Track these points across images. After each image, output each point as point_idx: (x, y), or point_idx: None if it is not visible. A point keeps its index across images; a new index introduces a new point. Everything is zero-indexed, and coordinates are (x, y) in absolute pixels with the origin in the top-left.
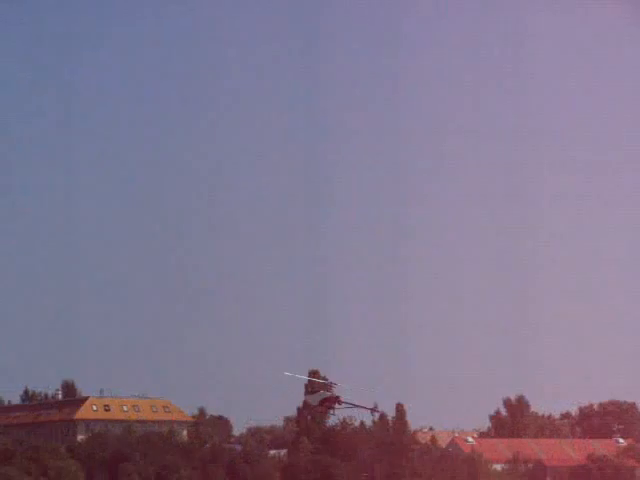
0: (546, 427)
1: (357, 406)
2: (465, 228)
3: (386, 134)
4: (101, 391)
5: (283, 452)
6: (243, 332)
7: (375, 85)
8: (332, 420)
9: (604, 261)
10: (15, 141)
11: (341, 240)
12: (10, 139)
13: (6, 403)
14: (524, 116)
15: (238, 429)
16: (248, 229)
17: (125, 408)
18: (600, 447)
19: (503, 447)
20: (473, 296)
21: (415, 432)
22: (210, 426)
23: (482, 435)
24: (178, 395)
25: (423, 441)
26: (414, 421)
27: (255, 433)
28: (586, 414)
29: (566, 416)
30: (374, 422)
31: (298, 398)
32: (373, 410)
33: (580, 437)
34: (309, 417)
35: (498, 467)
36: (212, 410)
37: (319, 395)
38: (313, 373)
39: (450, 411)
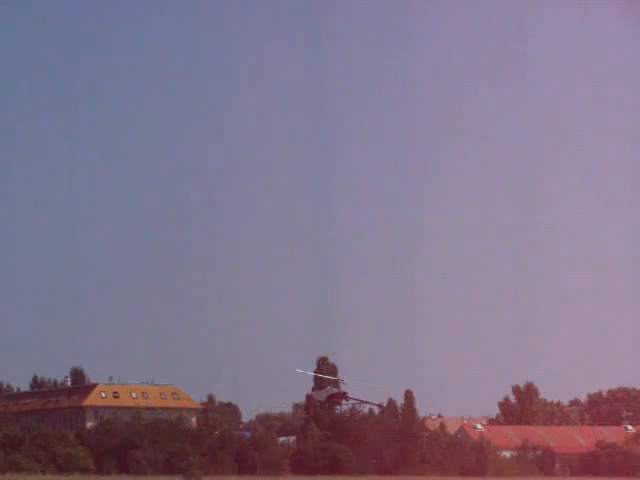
0: (555, 414)
1: (364, 402)
2: (473, 221)
3: (395, 134)
4: (110, 378)
5: (292, 439)
6: (252, 319)
7: (383, 85)
8: (341, 407)
9: (615, 248)
10: (16, 140)
11: (350, 231)
12: (12, 138)
13: (15, 390)
14: (528, 116)
15: (247, 416)
16: (255, 221)
17: (134, 395)
18: (609, 434)
19: (512, 434)
20: (482, 283)
21: (424, 419)
22: (219, 413)
23: (491, 422)
24: (187, 382)
25: (432, 428)
26: (423, 408)
27: (264, 420)
28: (595, 401)
29: (575, 403)
30: (383, 411)
31: (307, 385)
32: (380, 406)
33: (589, 424)
34: (318, 404)
35: (507, 454)
36: (221, 397)
37: (326, 391)
38: (322, 359)
39: (459, 398)
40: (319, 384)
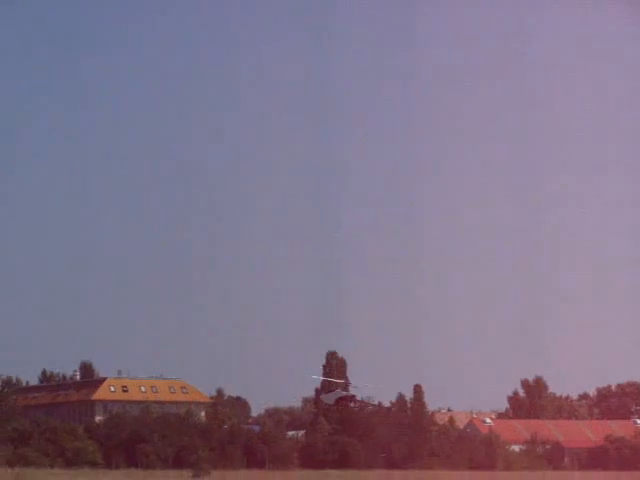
0: (564, 408)
1: (372, 405)
2: (476, 220)
3: (397, 134)
4: (119, 372)
5: (301, 433)
6: (261, 313)
7: (384, 84)
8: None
9: (623, 241)
10: (16, 140)
11: (356, 230)
12: (11, 138)
13: (24, 384)
14: (528, 116)
15: (256, 410)
16: (261, 220)
17: (143, 389)
18: (618, 428)
19: (521, 428)
20: (491, 276)
21: (433, 413)
22: (228, 407)
23: (500, 416)
24: (196, 376)
25: (441, 422)
26: (432, 402)
27: (273, 414)
28: (604, 395)
29: (584, 397)
30: (392, 404)
31: (316, 379)
32: (388, 409)
33: (598, 418)
34: (323, 380)
35: (516, 448)
36: (230, 391)
37: (334, 394)
38: (331, 354)
39: (468, 392)
40: (327, 391)
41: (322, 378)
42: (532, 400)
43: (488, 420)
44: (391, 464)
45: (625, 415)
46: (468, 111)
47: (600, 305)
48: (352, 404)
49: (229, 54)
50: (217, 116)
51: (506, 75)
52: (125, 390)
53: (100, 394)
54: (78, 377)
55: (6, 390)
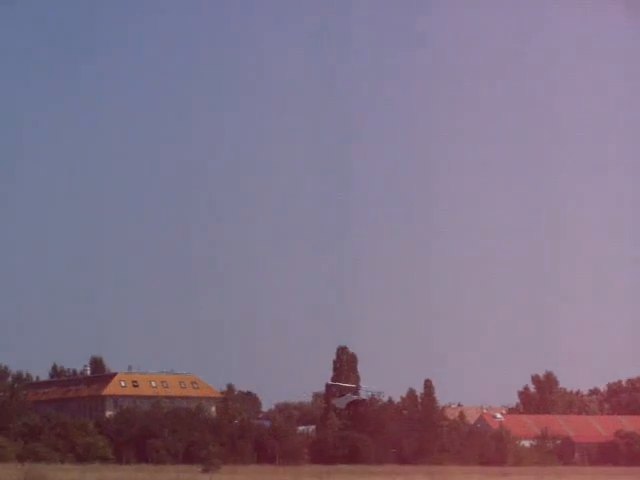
0: (574, 403)
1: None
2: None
3: (400, 133)
4: (129, 367)
5: (311, 428)
6: (272, 308)
7: (384, 84)
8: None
9: (629, 238)
10: (15, 140)
11: (370, 220)
12: (11, 138)
13: (35, 379)
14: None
15: (266, 405)
16: (271, 215)
17: (153, 384)
18: (628, 423)
19: (531, 423)
20: (501, 272)
21: (443, 408)
22: (239, 402)
23: (510, 411)
24: (206, 371)
25: (451, 417)
26: (442, 397)
27: (283, 409)
28: (614, 390)
29: (594, 392)
30: (402, 400)
31: (326, 374)
32: (399, 404)
33: (608, 413)
34: (337, 393)
35: (526, 443)
36: (240, 386)
37: (346, 399)
38: (342, 349)
39: (478, 387)
40: (338, 375)
41: (338, 384)
42: (543, 395)
43: (498, 415)
44: (401, 459)
45: (636, 410)
46: (468, 111)
47: (610, 300)
48: (362, 409)
49: (229, 54)
50: (217, 116)
51: (506, 75)
52: (136, 385)
53: (111, 389)
54: (88, 372)
55: (17, 385)
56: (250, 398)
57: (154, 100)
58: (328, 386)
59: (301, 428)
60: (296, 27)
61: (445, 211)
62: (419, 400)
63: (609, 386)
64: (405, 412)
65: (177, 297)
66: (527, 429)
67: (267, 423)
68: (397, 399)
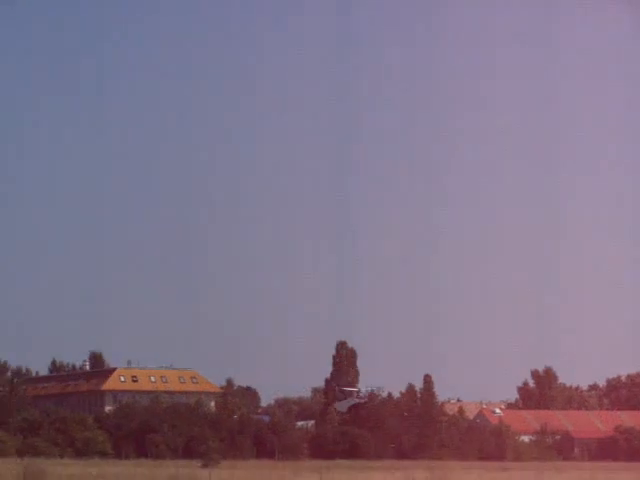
0: (574, 399)
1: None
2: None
3: (400, 133)
4: (129, 362)
5: (311, 423)
6: (271, 302)
7: (385, 84)
8: (360, 392)
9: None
10: (15, 140)
11: (371, 214)
12: (11, 138)
13: (34, 374)
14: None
15: (266, 400)
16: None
17: (152, 379)
18: (628, 419)
19: (531, 419)
20: (501, 266)
21: (443, 403)
22: (238, 397)
23: (510, 407)
24: (206, 366)
25: (451, 412)
26: (442, 392)
27: (283, 404)
28: (614, 386)
29: (594, 388)
30: (401, 395)
31: (326, 369)
32: (398, 400)
33: (608, 409)
34: (337, 388)
35: (526, 439)
36: (240, 381)
37: (347, 402)
38: (341, 344)
39: (478, 382)
40: (337, 369)
41: (343, 388)
42: (542, 390)
43: (498, 410)
44: (401, 455)
45: (635, 406)
46: (468, 111)
47: (609, 297)
48: (364, 411)
49: (229, 54)
50: (217, 116)
51: (506, 75)
52: (135, 380)
53: (110, 384)
54: (88, 367)
55: (16, 380)
56: (249, 393)
57: (154, 100)
58: (327, 381)
59: (300, 423)
60: (296, 27)
61: (445, 211)
62: (418, 395)
63: (608, 381)
64: (405, 413)
65: (176, 292)
66: (526, 424)
67: (266, 418)
68: (396, 394)
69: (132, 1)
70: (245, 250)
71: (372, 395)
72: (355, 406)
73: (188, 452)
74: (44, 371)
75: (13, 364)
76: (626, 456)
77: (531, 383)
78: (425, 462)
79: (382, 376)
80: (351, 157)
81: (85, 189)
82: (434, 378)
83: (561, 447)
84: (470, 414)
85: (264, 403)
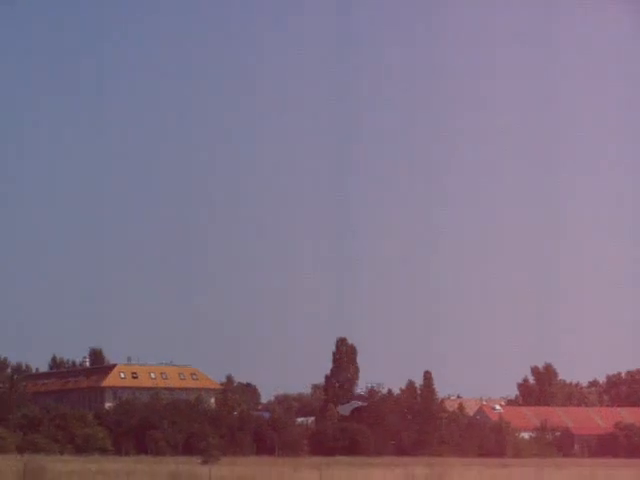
0: (574, 395)
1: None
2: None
3: (400, 133)
4: (129, 359)
5: (311, 420)
6: (271, 299)
7: (386, 84)
8: (359, 388)
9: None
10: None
11: (371, 214)
12: (10, 138)
13: (34, 371)
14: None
15: (266, 397)
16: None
17: (152, 375)
18: (627, 415)
19: (531, 415)
20: (501, 263)
21: (443, 400)
22: (238, 393)
23: (510, 403)
24: (206, 362)
25: (451, 409)
26: (442, 389)
27: (283, 400)
28: (614, 382)
29: (594, 384)
30: (401, 391)
31: (326, 366)
32: (398, 396)
33: (608, 405)
34: (337, 385)
35: (525, 435)
36: (240, 377)
37: (350, 405)
38: (341, 340)
39: (478, 379)
40: (337, 366)
41: (358, 402)
42: (542, 387)
43: (498, 407)
44: (401, 451)
45: (635, 402)
46: (468, 111)
47: (609, 292)
48: (366, 414)
49: (229, 54)
50: (217, 116)
51: (506, 75)
52: (135, 377)
53: (110, 381)
54: (88, 364)
55: (16, 377)
56: (249, 389)
57: (154, 100)
58: (327, 378)
59: (300, 419)
60: (296, 27)
61: (445, 211)
62: (418, 392)
63: (608, 378)
64: (405, 410)
65: (176, 288)
66: (526, 421)
67: (266, 414)
68: (396, 391)
69: (132, 1)
70: (245, 250)
71: (372, 391)
72: (358, 409)
73: (188, 448)
74: (44, 367)
75: (13, 360)
76: (626, 453)
77: (531, 380)
78: (425, 458)
79: (382, 373)
80: (351, 157)
81: (85, 189)
82: (434, 374)
83: (561, 444)
84: (470, 410)
85: (264, 400)
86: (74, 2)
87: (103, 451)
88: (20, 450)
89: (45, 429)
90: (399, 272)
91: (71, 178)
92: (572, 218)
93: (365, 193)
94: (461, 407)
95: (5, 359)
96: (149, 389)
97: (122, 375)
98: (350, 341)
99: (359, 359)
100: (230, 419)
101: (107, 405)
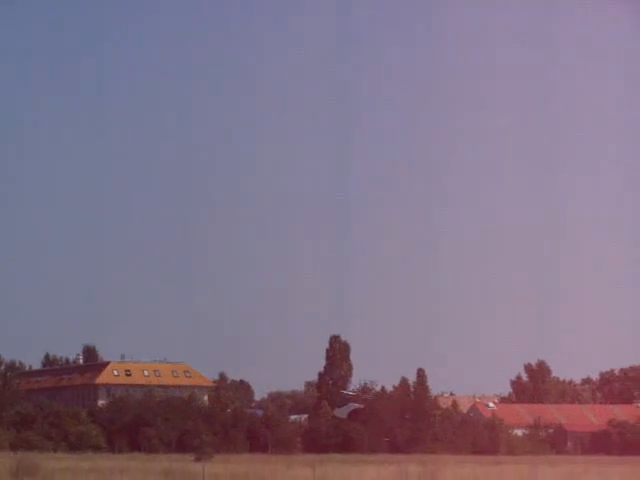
0: (567, 392)
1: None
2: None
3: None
4: (122, 356)
5: (304, 417)
6: (264, 296)
7: (386, 84)
8: (353, 386)
9: (625, 223)
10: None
11: (371, 214)
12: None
13: (27, 368)
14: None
15: (259, 394)
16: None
17: (146, 373)
18: (620, 412)
19: (524, 412)
20: (501, 263)
21: (436, 397)
22: (231, 391)
23: (503, 400)
24: (199, 360)
25: (444, 406)
26: (435, 386)
27: (276, 398)
28: (607, 379)
29: (587, 381)
30: (395, 388)
31: (319, 363)
32: (391, 393)
33: (601, 402)
34: (330, 382)
35: (519, 432)
36: (233, 375)
37: (347, 407)
38: (334, 338)
39: (471, 376)
40: (331, 363)
41: (342, 391)
42: (535, 384)
43: (491, 404)
44: (394, 448)
45: (628, 399)
46: (468, 111)
47: (602, 289)
48: (363, 416)
49: (229, 54)
50: (217, 116)
51: (506, 75)
52: (128, 374)
53: (103, 378)
54: (81, 361)
55: (9, 374)
56: (243, 387)
57: (154, 100)
58: (321, 375)
59: (294, 417)
60: (296, 27)
61: (445, 211)
62: (412, 389)
63: (601, 375)
64: (399, 407)
65: (170, 286)
66: (520, 418)
67: (260, 412)
68: (390, 388)
69: (132, 1)
70: (245, 250)
71: (365, 389)
72: (355, 411)
73: (181, 446)
74: (37, 365)
75: (6, 358)
76: (619, 450)
77: (524, 377)
78: (418, 456)
79: (376, 370)
80: (351, 157)
81: (85, 189)
82: (427, 372)
83: (554, 441)
84: (463, 408)
85: (257, 397)
86: (74, 2)
87: (96, 448)
88: (13, 447)
89: (38, 426)
90: (398, 275)
91: (71, 178)
92: (572, 218)
93: (365, 193)
94: (454, 404)
95: None
96: (142, 386)
97: (115, 372)
98: (343, 338)
99: (352, 356)
100: (223, 416)
101: (100, 402)
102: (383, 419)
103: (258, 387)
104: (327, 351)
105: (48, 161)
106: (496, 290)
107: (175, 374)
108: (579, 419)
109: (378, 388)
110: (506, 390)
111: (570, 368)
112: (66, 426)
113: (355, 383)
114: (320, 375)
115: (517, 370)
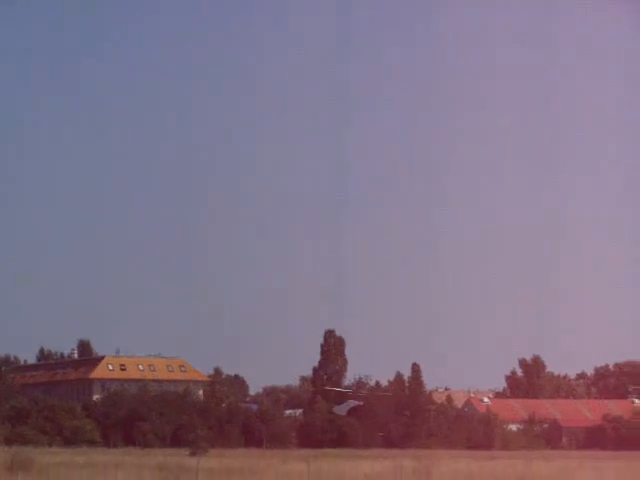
0: (561, 387)
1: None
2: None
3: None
4: (117, 350)
5: (299, 412)
6: (259, 291)
7: (386, 84)
8: (347, 380)
9: (625, 223)
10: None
11: (371, 214)
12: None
13: (22, 362)
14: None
15: (254, 389)
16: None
17: (141, 367)
18: (615, 407)
19: (519, 407)
20: (490, 256)
21: (431, 392)
22: (226, 385)
23: (498, 395)
24: (194, 354)
25: (439, 401)
26: (430, 381)
27: (271, 393)
28: (602, 374)
29: (582, 376)
30: (389, 383)
31: (314, 358)
32: (386, 388)
33: (595, 397)
34: (325, 377)
35: (513, 427)
36: (228, 369)
37: (346, 405)
38: (329, 332)
39: (466, 371)
40: (326, 358)
41: (334, 389)
42: (530, 379)
43: (486, 399)
44: (389, 443)
45: (622, 394)
46: (468, 111)
47: (598, 285)
48: (362, 413)
49: (229, 54)
50: (217, 116)
51: (506, 75)
52: (123, 368)
53: (98, 372)
54: (76, 355)
55: (4, 368)
56: (237, 382)
57: (154, 100)
58: (315, 370)
59: (288, 412)
60: (296, 27)
61: (445, 211)
62: (406, 384)
63: (596, 370)
64: (393, 401)
65: (165, 280)
66: (514, 413)
67: (254, 407)
68: (384, 383)
69: (132, 1)
70: (245, 250)
71: (360, 384)
72: (354, 408)
73: (176, 440)
74: (32, 359)
75: (1, 352)
76: (614, 445)
77: (519, 372)
78: (413, 451)
79: (370, 365)
80: (351, 157)
81: (85, 189)
82: (422, 367)
83: (549, 436)
84: (458, 403)
85: (252, 392)
86: (74, 2)
87: (91, 443)
88: (8, 442)
89: (33, 421)
90: (397, 270)
91: (71, 178)
92: (572, 218)
93: (365, 193)
94: (449, 399)
95: None
96: (137, 381)
97: (110, 367)
98: (338, 333)
99: (347, 351)
100: (218, 411)
101: (95, 397)
102: (378, 414)
103: (253, 382)
104: (322, 346)
105: (48, 161)
106: (493, 287)
107: (170, 369)
108: (574, 414)
109: (373, 383)
110: (501, 385)
111: (565, 363)
112: (61, 420)
113: (350, 378)
114: (315, 370)
115: (512, 365)
